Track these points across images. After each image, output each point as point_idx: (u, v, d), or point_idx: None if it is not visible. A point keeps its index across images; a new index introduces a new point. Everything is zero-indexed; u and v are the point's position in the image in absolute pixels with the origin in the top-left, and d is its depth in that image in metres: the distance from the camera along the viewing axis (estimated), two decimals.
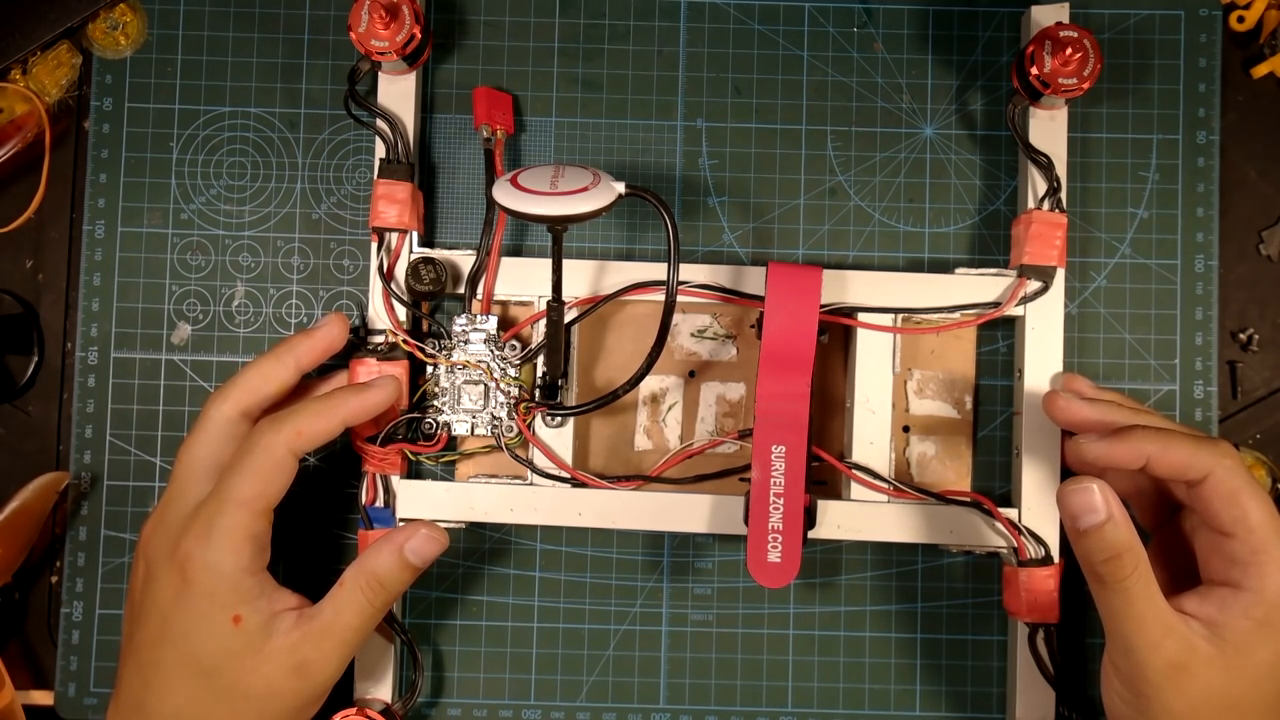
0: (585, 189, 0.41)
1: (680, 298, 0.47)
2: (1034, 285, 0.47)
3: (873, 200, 0.51)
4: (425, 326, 0.48)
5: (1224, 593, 0.39)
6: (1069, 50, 0.45)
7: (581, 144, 0.51)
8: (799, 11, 0.51)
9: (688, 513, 0.47)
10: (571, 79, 0.51)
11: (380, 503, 0.47)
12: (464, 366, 0.47)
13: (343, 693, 0.48)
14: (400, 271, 0.47)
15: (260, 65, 0.51)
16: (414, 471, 0.49)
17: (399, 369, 0.47)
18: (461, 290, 0.48)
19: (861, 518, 0.47)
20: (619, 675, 0.50)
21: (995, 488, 0.50)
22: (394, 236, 0.47)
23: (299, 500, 0.50)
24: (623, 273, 0.48)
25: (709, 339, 0.50)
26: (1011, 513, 0.47)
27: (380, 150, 0.48)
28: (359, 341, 0.47)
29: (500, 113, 0.49)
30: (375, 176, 0.48)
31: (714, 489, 0.48)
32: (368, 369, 0.47)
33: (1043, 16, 0.48)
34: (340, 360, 0.46)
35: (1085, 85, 0.45)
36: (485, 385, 0.47)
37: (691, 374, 0.50)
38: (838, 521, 0.47)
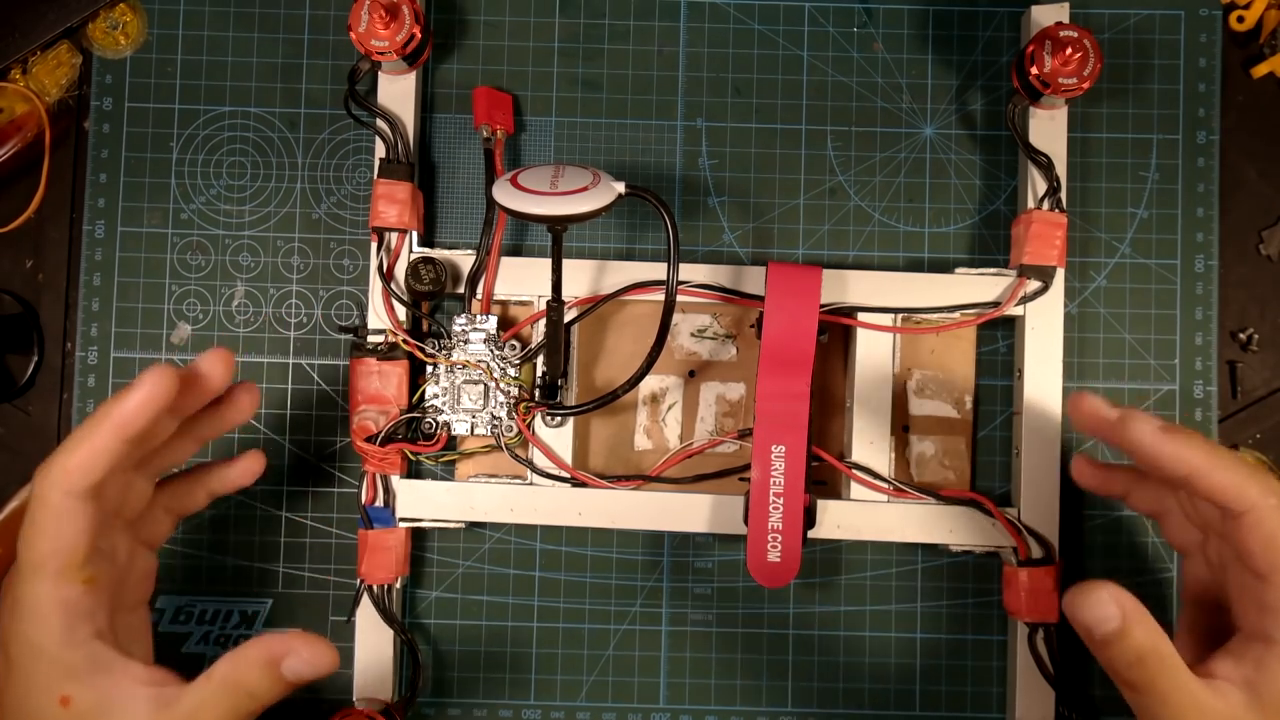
0: (585, 189, 0.41)
1: (680, 298, 0.47)
2: (1034, 285, 0.47)
3: (873, 200, 0.51)
4: (425, 326, 0.48)
5: (1259, 650, 0.36)
6: (1069, 50, 0.45)
7: (581, 144, 0.51)
8: (799, 11, 0.51)
9: (688, 513, 0.47)
10: (571, 79, 0.51)
11: (380, 502, 0.47)
12: (464, 366, 0.47)
13: (342, 693, 0.48)
14: (400, 271, 0.47)
15: (260, 65, 0.51)
16: (414, 471, 0.49)
17: (399, 368, 0.47)
18: (461, 290, 0.48)
19: (861, 518, 0.47)
20: (619, 675, 0.50)
21: (995, 488, 0.50)
22: (394, 236, 0.47)
23: (299, 500, 0.50)
24: (623, 273, 0.48)
25: (709, 339, 0.50)
26: (1011, 513, 0.47)
27: (380, 150, 0.48)
28: (359, 341, 0.47)
29: (500, 113, 0.49)
30: (375, 176, 0.48)
31: (714, 489, 0.48)
32: (368, 369, 0.47)
33: (1043, 16, 0.48)
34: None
35: (1085, 85, 0.45)
36: (485, 385, 0.47)
37: (691, 374, 0.50)
38: (838, 521, 0.47)
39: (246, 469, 0.44)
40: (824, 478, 0.49)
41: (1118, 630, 0.34)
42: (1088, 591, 0.35)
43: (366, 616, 0.47)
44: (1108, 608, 0.35)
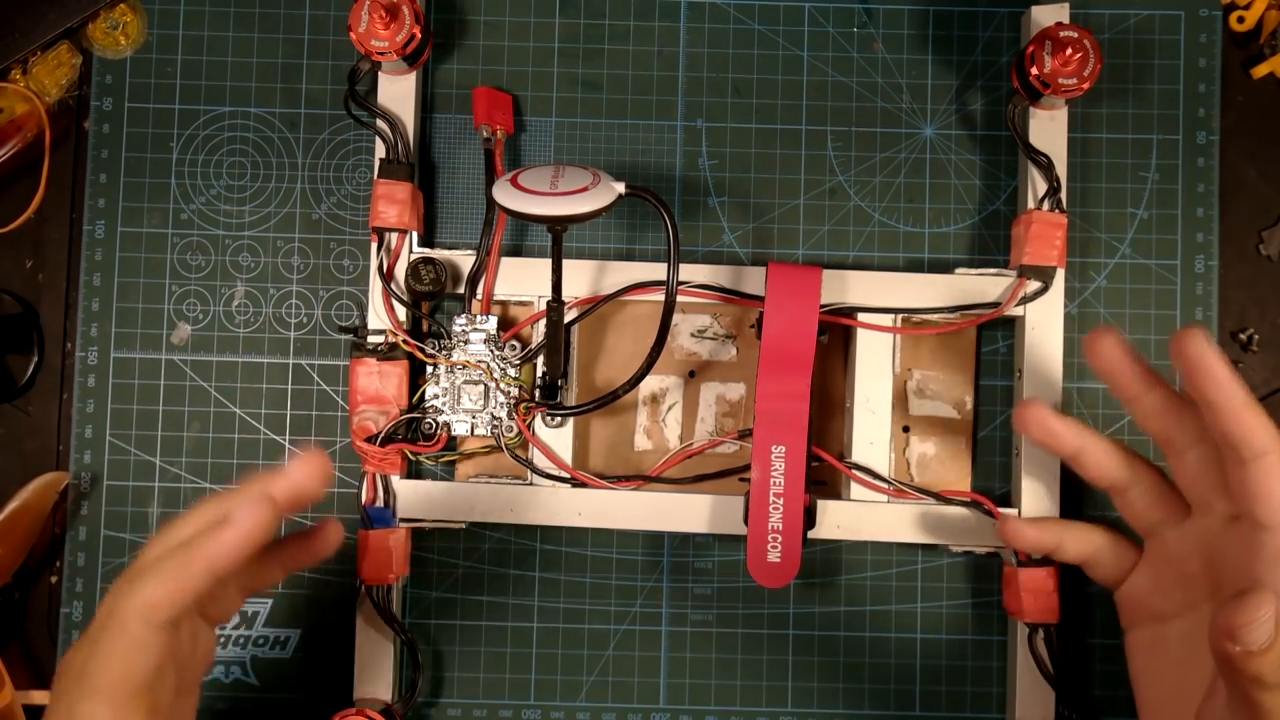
0: (585, 189, 0.41)
1: (680, 298, 0.47)
2: (1034, 285, 0.47)
3: (873, 200, 0.51)
4: (425, 326, 0.48)
5: None
6: (1069, 50, 0.45)
7: (581, 144, 0.51)
8: (799, 11, 0.51)
9: (688, 513, 0.47)
10: (571, 79, 0.51)
11: (380, 503, 0.47)
12: (464, 366, 0.47)
13: (343, 693, 0.48)
14: (400, 271, 0.47)
15: (260, 65, 0.51)
16: (414, 471, 0.49)
17: (399, 369, 0.47)
18: (461, 290, 0.48)
19: (861, 518, 0.47)
20: (619, 675, 0.50)
21: (995, 488, 0.50)
22: (394, 236, 0.47)
23: None
24: (623, 273, 0.48)
25: (709, 339, 0.50)
26: (1011, 513, 0.47)
27: (380, 150, 0.48)
28: (359, 341, 0.47)
29: (500, 113, 0.49)
30: (375, 176, 0.48)
31: (714, 489, 0.48)
32: (368, 369, 0.47)
33: (1043, 16, 0.48)
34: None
35: (1085, 85, 0.45)
36: (485, 385, 0.47)
37: (691, 374, 0.50)
38: (838, 521, 0.47)
39: (325, 541, 0.42)
40: (824, 478, 0.49)
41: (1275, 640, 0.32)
42: (1253, 597, 0.32)
43: (366, 616, 0.47)
44: (1265, 609, 0.32)
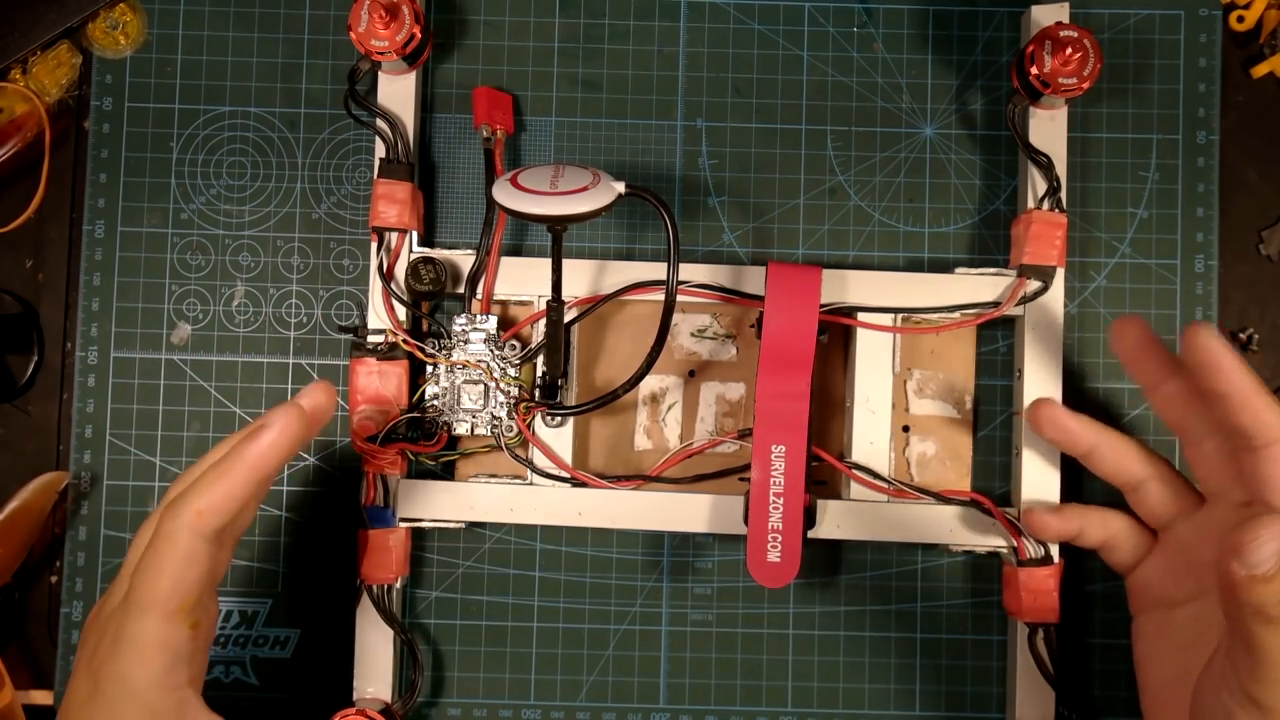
0: (585, 189, 0.41)
1: (680, 297, 0.47)
2: (1034, 285, 0.47)
3: (873, 200, 0.51)
4: (425, 326, 0.48)
5: None
6: (1069, 50, 0.45)
7: (581, 144, 0.51)
8: (799, 11, 0.51)
9: (688, 513, 0.47)
10: (571, 79, 0.51)
11: (380, 502, 0.47)
12: (464, 366, 0.47)
13: (343, 692, 0.48)
14: (400, 271, 0.47)
15: (260, 65, 0.51)
16: (414, 471, 0.49)
17: (399, 368, 0.47)
18: (461, 290, 0.48)
19: (861, 518, 0.47)
20: (619, 675, 0.50)
21: (995, 488, 0.50)
22: (394, 236, 0.47)
23: (299, 500, 0.50)
24: (623, 272, 0.48)
25: (709, 339, 0.50)
26: (1011, 513, 0.47)
27: (380, 150, 0.48)
28: (359, 341, 0.47)
29: (500, 113, 0.49)
30: (375, 176, 0.48)
31: (714, 489, 0.48)
32: (368, 369, 0.47)
33: (1043, 16, 0.48)
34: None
35: (1085, 85, 0.45)
36: (485, 385, 0.47)
37: (691, 374, 0.50)
38: (838, 521, 0.47)
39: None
40: (824, 478, 0.49)
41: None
42: (1261, 527, 0.32)
43: (366, 616, 0.47)
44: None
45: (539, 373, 0.47)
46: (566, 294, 0.46)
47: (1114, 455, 0.42)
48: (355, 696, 0.47)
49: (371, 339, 0.47)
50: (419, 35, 0.46)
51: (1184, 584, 0.41)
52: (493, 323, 0.48)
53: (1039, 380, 0.47)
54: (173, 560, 0.35)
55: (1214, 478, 0.40)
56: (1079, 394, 0.49)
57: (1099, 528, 0.44)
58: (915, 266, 0.50)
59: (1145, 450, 0.43)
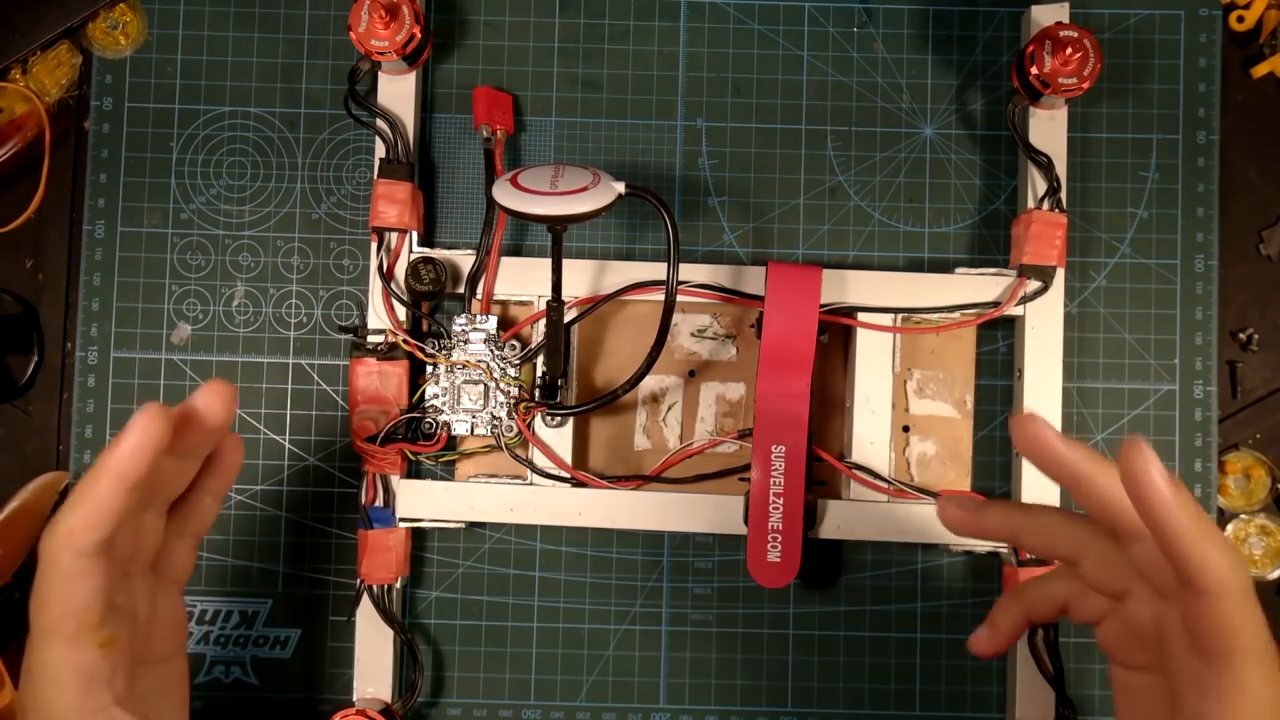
0: (585, 189, 0.41)
1: (680, 297, 0.47)
2: (1034, 285, 0.47)
3: (873, 200, 0.51)
4: (425, 326, 0.48)
5: None
6: (1069, 50, 0.45)
7: (581, 144, 0.51)
8: (799, 11, 0.51)
9: (688, 513, 0.47)
10: (571, 79, 0.51)
11: (380, 502, 0.47)
12: (464, 366, 0.47)
13: (342, 693, 0.48)
14: (400, 271, 0.47)
15: (260, 65, 0.51)
16: (414, 471, 0.49)
17: (399, 368, 0.47)
18: (461, 290, 0.48)
19: (861, 518, 0.47)
20: (619, 675, 0.50)
21: (995, 488, 0.50)
22: (394, 236, 0.47)
23: (299, 500, 0.50)
24: (623, 273, 0.48)
25: (709, 339, 0.50)
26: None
27: (380, 150, 0.48)
28: (359, 341, 0.47)
29: (500, 113, 0.49)
30: (375, 176, 0.48)
31: (714, 489, 0.48)
32: (368, 369, 0.47)
33: (1043, 16, 0.48)
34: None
35: (1085, 85, 0.45)
36: (485, 385, 0.47)
37: (691, 374, 0.50)
38: (838, 521, 0.47)
39: (230, 454, 0.39)
40: (824, 478, 0.49)
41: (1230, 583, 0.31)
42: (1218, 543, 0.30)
43: (366, 616, 0.47)
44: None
45: (539, 373, 0.47)
46: (566, 294, 0.46)
47: (1039, 539, 0.36)
48: (355, 696, 0.47)
49: (371, 339, 0.47)
50: (419, 35, 0.46)
51: (1138, 656, 0.36)
52: (493, 323, 0.48)
53: (1039, 380, 0.47)
54: (57, 582, 0.33)
55: (1109, 584, 0.35)
56: (1079, 393, 0.50)
57: (1045, 604, 0.38)
58: (915, 266, 0.50)
59: (1074, 527, 0.36)
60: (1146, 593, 0.35)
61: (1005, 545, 0.46)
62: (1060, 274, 0.47)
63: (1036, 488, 0.47)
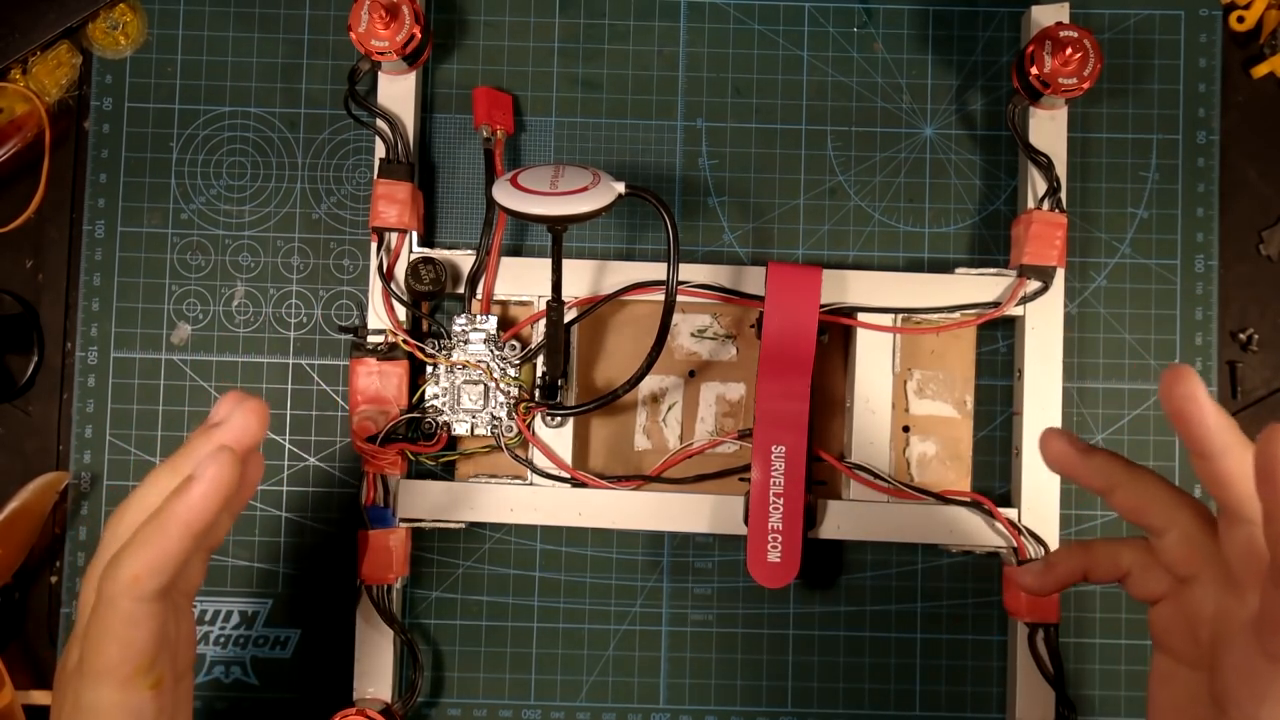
0: (585, 189, 0.41)
1: (680, 298, 0.47)
2: (1034, 285, 0.47)
3: (873, 200, 0.51)
4: (425, 326, 0.48)
5: None
6: (1069, 50, 0.45)
7: (581, 144, 0.51)
8: (799, 11, 0.51)
9: (688, 513, 0.47)
10: (571, 79, 0.51)
11: (380, 502, 0.47)
12: (464, 366, 0.47)
13: (343, 692, 0.48)
14: (400, 271, 0.47)
15: (260, 65, 0.51)
16: (414, 471, 0.49)
17: (399, 368, 0.47)
18: (461, 290, 0.48)
19: (861, 518, 0.47)
20: (619, 675, 0.50)
21: (995, 488, 0.50)
22: (394, 236, 0.47)
23: (299, 500, 0.50)
24: (623, 273, 0.48)
25: (709, 339, 0.50)
26: (1011, 513, 0.47)
27: (380, 150, 0.48)
28: (359, 341, 0.47)
29: (500, 113, 0.49)
30: (375, 176, 0.48)
31: (714, 489, 0.48)
32: (368, 369, 0.47)
33: (1043, 16, 0.48)
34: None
35: (1085, 85, 0.45)
36: (485, 385, 0.47)
37: (691, 374, 0.50)
38: (838, 521, 0.47)
39: (252, 472, 0.39)
40: (824, 478, 0.49)
41: None
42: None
43: (366, 616, 0.47)
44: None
45: (539, 373, 0.47)
46: (566, 294, 0.46)
47: (1135, 498, 0.35)
48: (355, 696, 0.47)
49: (371, 339, 0.47)
50: (419, 35, 0.46)
51: (1187, 647, 0.35)
52: (493, 323, 0.48)
53: (1039, 380, 0.47)
54: (117, 627, 0.33)
55: (1183, 565, 0.35)
56: (1079, 394, 0.50)
57: (1109, 567, 0.37)
58: (915, 266, 0.50)
59: (1171, 497, 0.35)
60: (1216, 583, 0.34)
61: (1005, 545, 0.46)
62: (1060, 274, 0.47)
63: (1036, 488, 0.47)
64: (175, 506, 0.33)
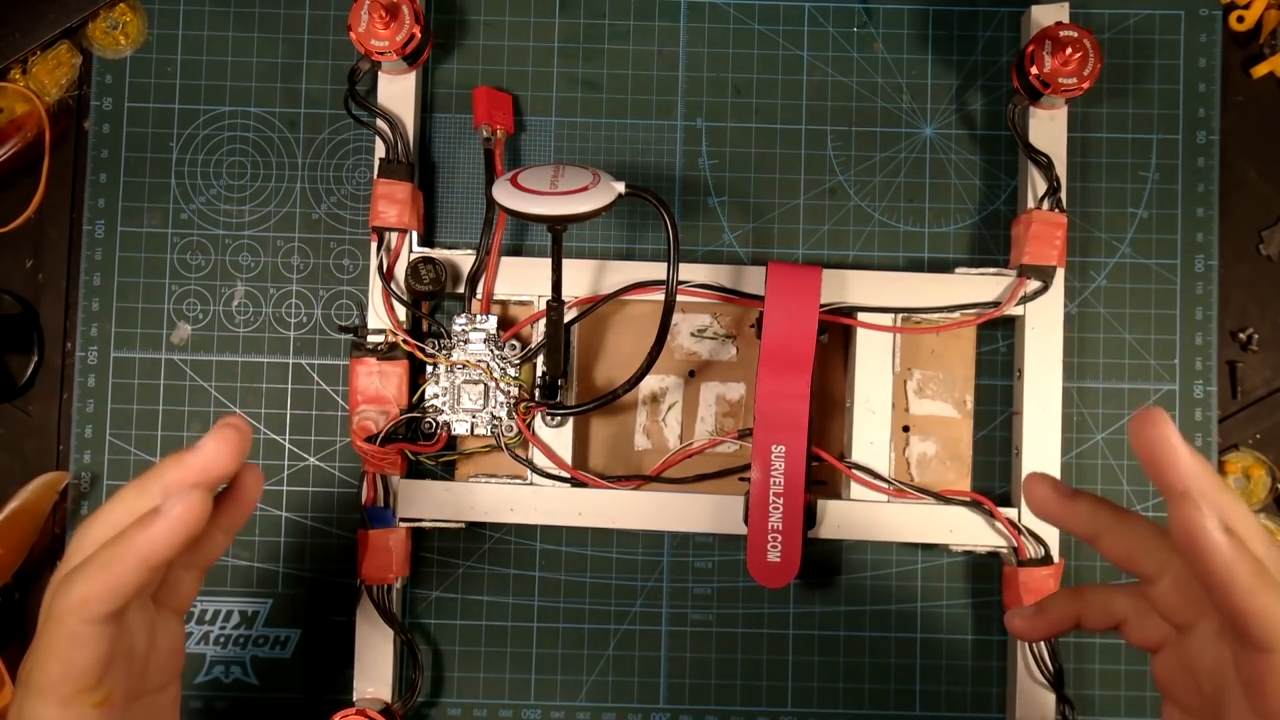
0: (585, 189, 0.41)
1: (680, 297, 0.47)
2: (1034, 285, 0.47)
3: (873, 200, 0.51)
4: (425, 326, 0.48)
5: None
6: (1069, 50, 0.45)
7: (581, 144, 0.51)
8: (799, 11, 0.51)
9: (688, 513, 0.47)
10: (571, 79, 0.51)
11: (380, 502, 0.47)
12: (464, 366, 0.47)
13: (343, 693, 0.48)
14: (400, 271, 0.47)
15: (260, 65, 0.51)
16: (414, 471, 0.49)
17: (399, 368, 0.47)
18: (461, 290, 0.48)
19: (861, 518, 0.47)
20: (619, 675, 0.50)
21: (995, 488, 0.50)
22: (394, 236, 0.47)
23: (299, 500, 0.50)
24: (623, 272, 0.48)
25: (709, 339, 0.50)
26: (1011, 513, 0.47)
27: (380, 150, 0.48)
28: (359, 341, 0.47)
29: (500, 113, 0.49)
30: (375, 176, 0.48)
31: (714, 489, 0.48)
32: (368, 369, 0.47)
33: (1043, 16, 0.48)
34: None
35: (1085, 85, 0.45)
36: (485, 385, 0.47)
37: (691, 374, 0.50)
38: (838, 521, 0.47)
39: (248, 490, 0.38)
40: (824, 478, 0.49)
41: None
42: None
43: (366, 616, 0.47)
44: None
45: (539, 373, 0.47)
46: (566, 294, 0.46)
47: (1124, 545, 0.34)
48: (355, 696, 0.47)
49: (371, 339, 0.47)
50: (419, 35, 0.46)
51: (1191, 698, 0.34)
52: (493, 323, 0.48)
53: (1039, 380, 0.47)
54: (61, 645, 0.32)
55: (1178, 613, 0.34)
56: (1079, 394, 0.50)
57: (1102, 614, 0.36)
58: (915, 266, 0.50)
59: (1163, 542, 0.34)
60: (1213, 633, 0.33)
61: (1005, 545, 0.46)
62: (1060, 274, 0.47)
63: None
64: (135, 537, 0.32)
